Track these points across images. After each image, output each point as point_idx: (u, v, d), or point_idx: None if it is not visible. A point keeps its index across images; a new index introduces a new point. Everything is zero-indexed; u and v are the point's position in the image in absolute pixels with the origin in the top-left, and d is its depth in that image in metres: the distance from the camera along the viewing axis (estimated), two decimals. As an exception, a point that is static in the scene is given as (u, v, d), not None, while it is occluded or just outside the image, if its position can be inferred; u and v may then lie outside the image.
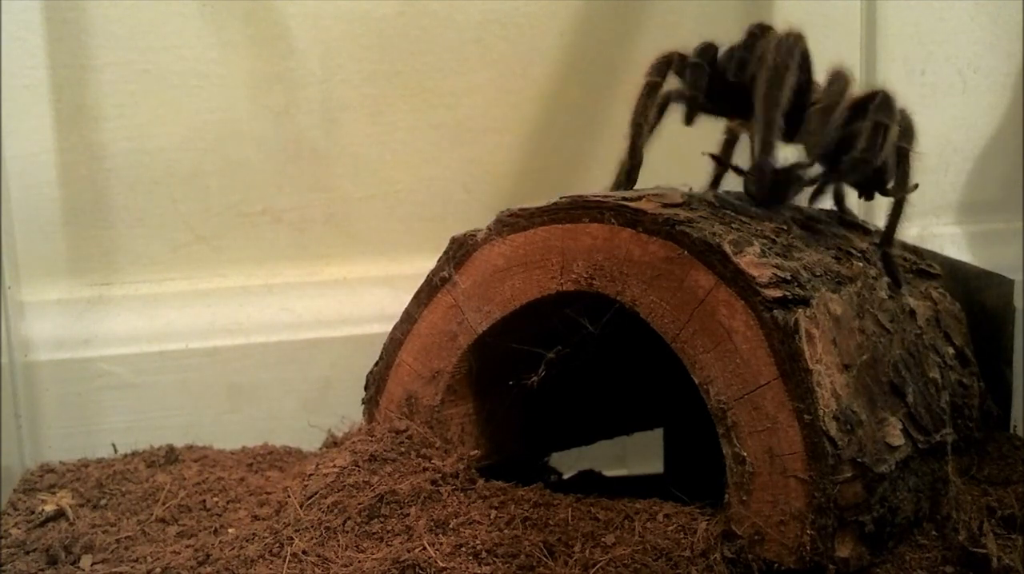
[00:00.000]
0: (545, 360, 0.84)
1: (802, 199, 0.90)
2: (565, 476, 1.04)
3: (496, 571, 0.73)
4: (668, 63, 0.89)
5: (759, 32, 0.86)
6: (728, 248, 0.74)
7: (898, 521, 0.76)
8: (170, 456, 1.03)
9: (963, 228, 1.20)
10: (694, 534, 0.75)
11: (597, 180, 1.16)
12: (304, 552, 0.76)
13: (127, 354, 1.12)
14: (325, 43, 1.16)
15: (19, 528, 0.89)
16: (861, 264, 0.85)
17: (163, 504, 0.92)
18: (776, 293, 0.73)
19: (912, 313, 0.86)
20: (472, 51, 1.18)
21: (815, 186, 0.91)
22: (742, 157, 0.92)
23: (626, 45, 1.20)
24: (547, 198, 0.83)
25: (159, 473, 1.00)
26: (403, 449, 0.85)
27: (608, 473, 1.09)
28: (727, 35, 0.88)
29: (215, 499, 0.93)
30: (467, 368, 0.87)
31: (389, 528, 0.78)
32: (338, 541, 0.77)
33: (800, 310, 0.73)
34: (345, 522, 0.79)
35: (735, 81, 0.86)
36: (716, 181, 0.97)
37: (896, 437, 0.76)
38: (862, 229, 0.95)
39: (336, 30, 1.16)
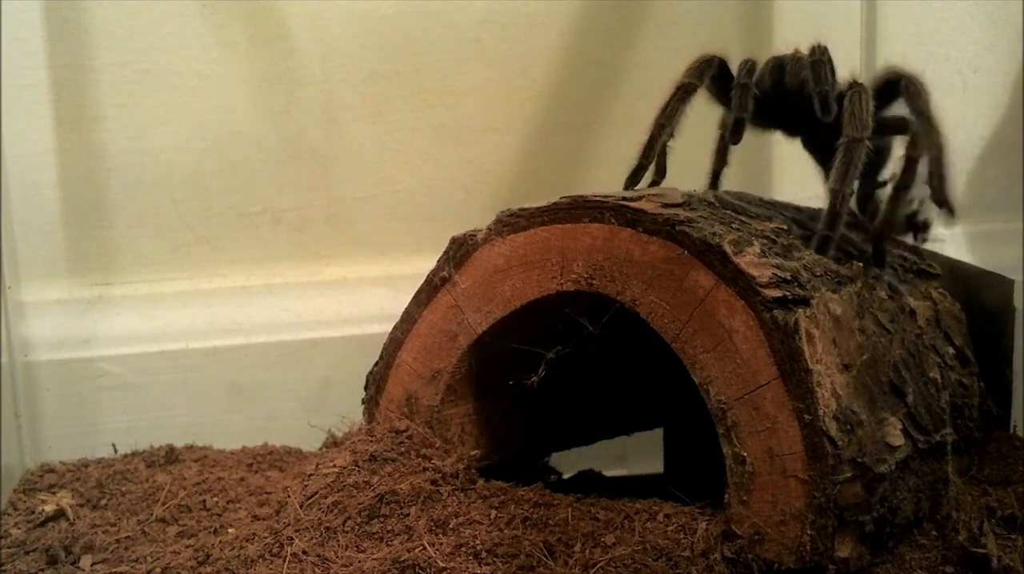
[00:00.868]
0: (545, 360, 0.83)
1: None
2: (565, 476, 1.04)
3: (496, 571, 0.73)
4: (708, 66, 0.88)
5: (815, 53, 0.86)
6: (728, 248, 0.74)
7: (898, 521, 0.76)
8: (170, 456, 1.04)
9: (963, 228, 1.20)
10: (694, 534, 0.75)
11: (597, 180, 1.16)
12: (304, 552, 0.76)
13: (127, 354, 1.12)
14: (325, 43, 1.16)
15: (19, 528, 0.89)
16: (861, 264, 0.85)
17: (163, 504, 0.92)
18: (776, 293, 0.73)
19: (912, 313, 0.86)
20: (472, 51, 1.18)
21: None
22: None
23: (626, 45, 1.20)
24: (547, 198, 0.83)
25: (159, 473, 1.00)
26: (403, 449, 0.85)
27: (608, 473, 1.09)
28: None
29: (215, 499, 0.93)
30: (467, 368, 0.87)
31: (389, 528, 0.78)
32: (338, 541, 0.77)
33: (800, 310, 0.72)
34: (345, 522, 0.78)
35: (774, 94, 0.85)
36: (716, 181, 0.97)
37: (896, 437, 0.75)
38: (864, 229, 0.95)
39: (336, 30, 1.16)
